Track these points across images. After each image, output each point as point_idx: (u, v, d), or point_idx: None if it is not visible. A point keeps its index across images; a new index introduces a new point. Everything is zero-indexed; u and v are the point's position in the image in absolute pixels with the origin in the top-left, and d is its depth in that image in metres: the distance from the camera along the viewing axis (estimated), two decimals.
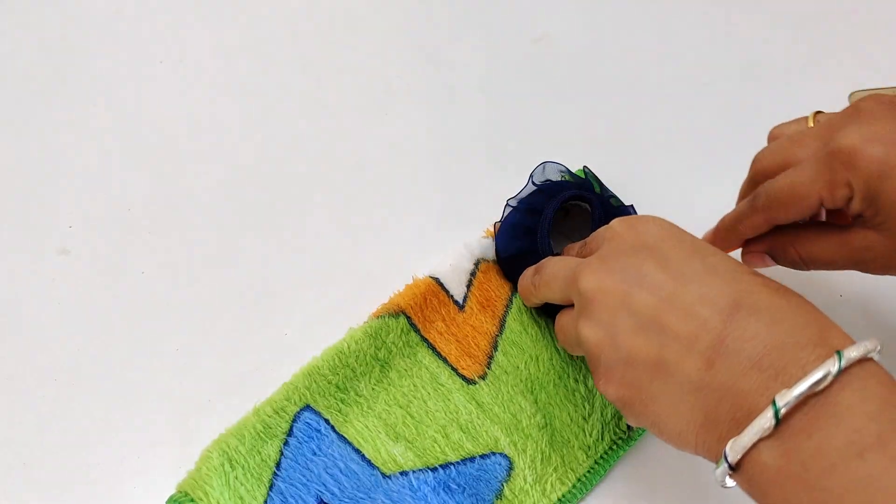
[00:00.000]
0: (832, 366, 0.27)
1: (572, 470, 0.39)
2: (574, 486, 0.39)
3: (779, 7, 0.61)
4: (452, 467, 0.38)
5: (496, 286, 0.44)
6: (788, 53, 0.58)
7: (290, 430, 0.38)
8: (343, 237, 0.47)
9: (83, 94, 0.53)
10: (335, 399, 0.39)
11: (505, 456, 0.39)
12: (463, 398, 0.40)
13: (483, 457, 0.39)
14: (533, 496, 0.38)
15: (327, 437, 0.38)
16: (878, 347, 0.28)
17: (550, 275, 0.38)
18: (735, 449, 0.27)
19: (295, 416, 0.38)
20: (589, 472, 0.39)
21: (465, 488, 0.38)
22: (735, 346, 0.29)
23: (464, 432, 0.39)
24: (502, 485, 0.38)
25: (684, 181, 0.51)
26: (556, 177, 0.46)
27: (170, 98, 0.54)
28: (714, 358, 0.29)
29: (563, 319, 0.37)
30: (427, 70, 0.56)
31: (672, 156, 0.52)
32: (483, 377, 0.41)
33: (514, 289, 0.44)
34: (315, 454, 0.38)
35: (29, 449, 0.39)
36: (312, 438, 0.38)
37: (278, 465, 0.37)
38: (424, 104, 0.54)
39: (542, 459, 0.39)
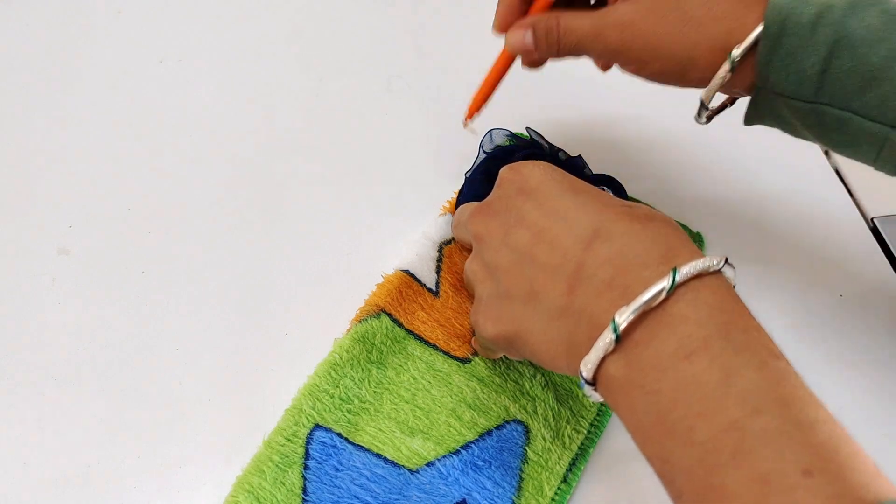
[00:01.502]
0: (667, 281, 0.28)
1: (583, 417, 0.40)
2: (589, 432, 0.40)
3: None
4: (473, 446, 0.39)
5: (463, 266, 0.44)
6: None
7: (307, 452, 0.38)
8: (344, 237, 0.47)
9: (83, 93, 0.53)
10: (342, 411, 0.39)
11: (519, 422, 0.40)
12: (463, 378, 0.41)
13: (499, 428, 0.40)
14: (556, 452, 0.39)
15: (345, 450, 0.38)
16: (721, 263, 0.29)
17: (455, 221, 0.42)
18: (587, 366, 0.29)
19: (307, 438, 0.38)
20: (598, 414, 0.40)
21: (491, 462, 0.38)
22: (591, 271, 0.31)
23: (474, 410, 0.40)
24: (525, 448, 0.39)
25: (683, 179, 0.51)
26: (503, 142, 0.48)
27: (170, 98, 0.54)
28: (574, 284, 0.31)
29: (465, 264, 0.39)
30: (427, 70, 0.56)
31: (672, 156, 0.52)
32: (475, 353, 0.42)
33: None
34: (338, 470, 0.38)
35: (29, 449, 0.39)
36: (331, 455, 0.38)
37: (304, 490, 0.37)
38: (424, 104, 0.54)
39: (553, 416, 0.40)
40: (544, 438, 0.39)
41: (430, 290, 0.44)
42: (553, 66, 0.44)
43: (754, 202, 0.50)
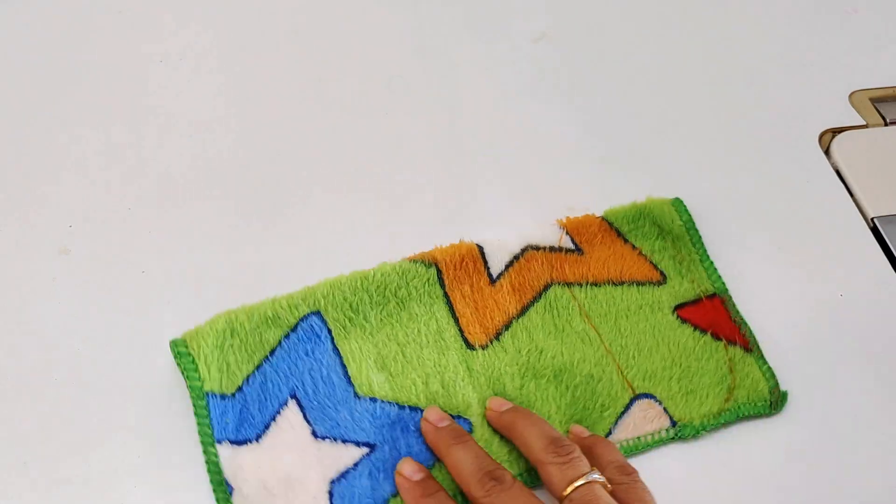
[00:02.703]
0: None
1: (524, 460, 0.39)
2: (520, 475, 0.39)
3: (780, 5, 0.61)
4: (418, 412, 0.40)
5: (534, 276, 0.45)
6: (789, 53, 0.58)
7: (295, 326, 0.41)
8: (344, 237, 0.47)
9: (83, 93, 0.53)
10: (344, 315, 0.42)
11: (469, 423, 0.40)
12: (457, 358, 0.42)
13: (451, 416, 0.40)
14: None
15: (324, 344, 0.41)
16: None
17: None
18: None
19: (304, 316, 0.41)
20: (530, 471, 0.39)
21: (421, 437, 0.39)
22: None
23: (443, 388, 0.41)
24: None
25: (683, 180, 0.51)
26: None
27: (170, 98, 0.54)
28: None
29: None
30: (427, 69, 0.56)
31: (672, 155, 0.52)
32: (484, 347, 0.42)
33: (549, 284, 0.44)
34: (307, 355, 0.41)
35: (29, 449, 0.39)
36: (310, 340, 0.41)
37: (272, 351, 0.41)
38: (424, 104, 0.54)
39: (499, 440, 0.40)
40: (486, 445, 0.39)
41: (490, 274, 0.44)
42: None
43: (754, 202, 0.50)
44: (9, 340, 0.43)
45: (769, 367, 0.43)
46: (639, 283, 0.45)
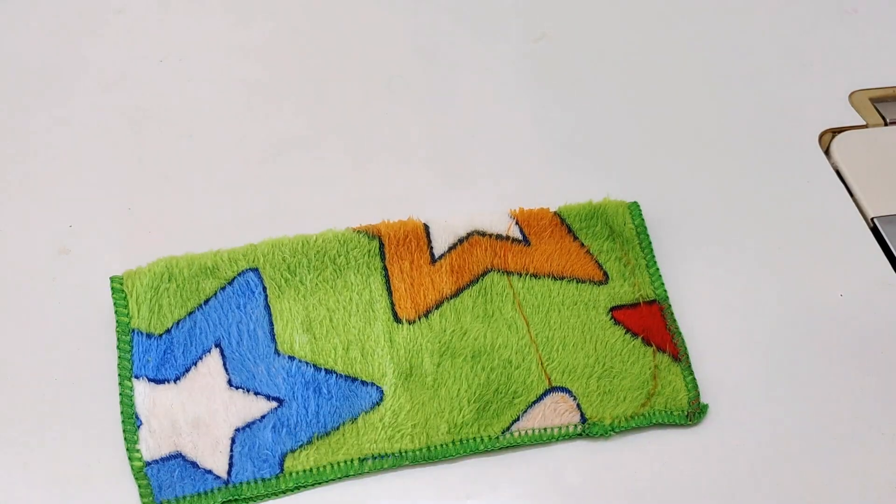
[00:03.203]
0: None
1: (427, 435, 0.40)
2: (420, 450, 0.40)
3: (779, 5, 0.61)
4: (333, 375, 0.41)
5: (474, 261, 0.45)
6: (789, 53, 0.58)
7: (232, 280, 0.43)
8: None
9: (83, 93, 0.53)
10: (280, 275, 0.43)
11: (381, 391, 0.41)
12: (381, 328, 0.43)
13: (363, 383, 0.41)
14: (380, 434, 0.40)
15: (257, 300, 0.43)
16: None
17: None
18: None
19: (242, 271, 0.43)
20: (441, 446, 0.40)
21: (332, 397, 0.40)
22: None
23: (362, 355, 0.42)
24: (360, 412, 0.40)
25: (682, 179, 0.51)
26: None
27: (170, 98, 0.54)
28: None
29: None
30: (427, 69, 0.56)
31: (672, 155, 0.52)
32: (411, 322, 0.43)
33: (488, 270, 0.45)
34: (238, 308, 0.42)
35: (29, 449, 0.39)
36: (244, 295, 0.43)
37: (206, 300, 0.42)
38: (424, 103, 0.54)
39: (407, 411, 0.40)
40: (382, 419, 0.40)
41: (432, 254, 0.45)
42: None
43: (754, 202, 0.50)
44: (9, 340, 0.43)
45: (693, 379, 0.43)
46: (579, 280, 0.45)
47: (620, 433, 0.41)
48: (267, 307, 0.42)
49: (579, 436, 0.41)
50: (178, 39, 0.57)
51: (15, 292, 0.44)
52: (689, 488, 0.40)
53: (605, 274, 0.46)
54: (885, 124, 0.55)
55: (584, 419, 0.41)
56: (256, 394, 0.40)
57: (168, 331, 0.41)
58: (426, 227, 0.45)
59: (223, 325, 0.42)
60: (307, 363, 0.41)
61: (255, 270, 0.43)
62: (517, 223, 0.47)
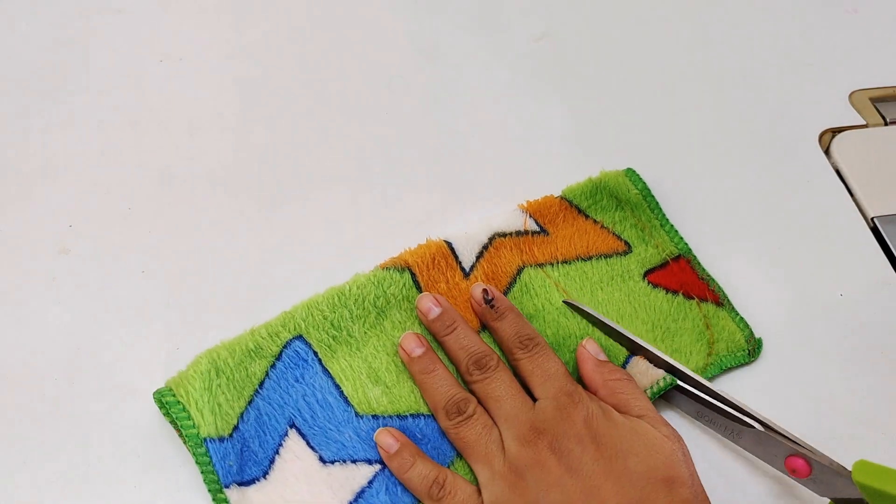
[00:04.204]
0: None
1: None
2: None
3: (780, 5, 0.61)
4: (422, 419, 0.40)
5: (505, 262, 0.45)
6: (789, 53, 0.58)
7: (280, 354, 0.40)
8: (343, 236, 0.47)
9: (83, 93, 0.53)
10: (327, 335, 0.41)
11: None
12: (444, 355, 0.42)
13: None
14: None
15: (312, 367, 0.40)
16: None
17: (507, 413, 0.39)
18: None
19: (287, 342, 0.40)
20: None
21: (429, 440, 0.39)
22: None
23: None
24: None
25: (683, 179, 0.51)
26: None
27: (170, 97, 0.54)
28: None
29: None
30: (427, 69, 0.56)
31: (672, 155, 0.52)
32: None
33: (522, 268, 0.45)
34: (297, 381, 0.40)
35: (29, 449, 0.39)
36: (298, 366, 0.40)
37: (261, 384, 0.39)
38: (424, 103, 0.54)
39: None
40: None
41: (462, 268, 0.44)
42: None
43: (754, 202, 0.50)
44: (9, 340, 0.43)
45: (742, 318, 0.45)
46: (606, 256, 0.46)
47: None
48: (325, 371, 0.40)
49: (668, 388, 0.41)
50: (178, 39, 0.57)
51: (15, 292, 0.44)
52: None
53: (626, 243, 0.47)
54: (885, 124, 0.55)
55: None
56: (354, 461, 0.38)
57: (236, 427, 0.38)
58: (449, 245, 0.44)
59: (289, 403, 0.39)
60: (391, 416, 0.40)
61: (300, 338, 0.41)
62: (530, 216, 0.47)
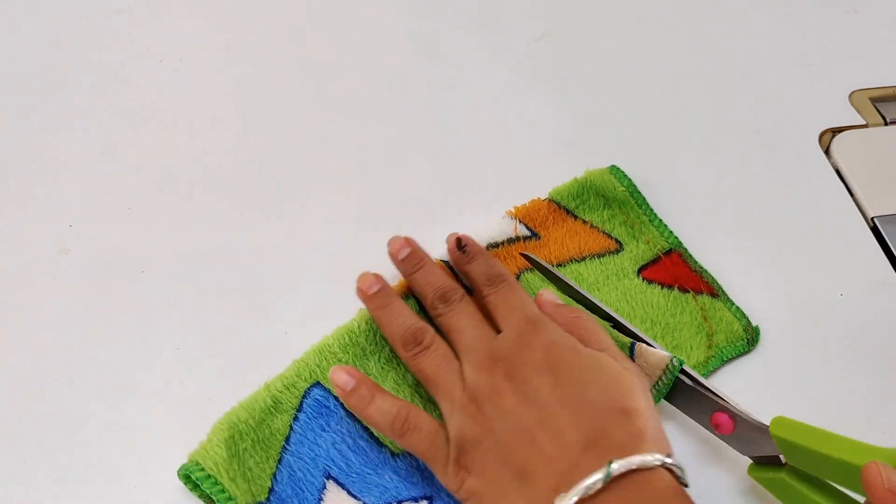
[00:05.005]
0: (602, 473, 0.31)
1: None
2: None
3: (780, 5, 0.61)
4: None
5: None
6: (789, 53, 0.58)
7: (300, 405, 0.39)
8: (343, 235, 0.47)
9: (83, 93, 0.53)
10: None
11: None
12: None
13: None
14: None
15: (336, 413, 0.39)
16: (661, 460, 0.32)
17: (468, 342, 0.39)
18: None
19: (305, 392, 0.39)
20: None
21: None
22: (580, 475, 0.32)
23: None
24: None
25: (684, 180, 0.51)
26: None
27: (170, 97, 0.54)
28: (560, 484, 0.33)
29: (441, 380, 0.38)
30: (427, 69, 0.56)
31: (673, 155, 0.52)
32: None
33: (520, 273, 0.44)
34: (324, 430, 0.38)
35: (29, 448, 0.39)
36: (322, 415, 0.38)
37: (287, 439, 0.38)
38: (424, 103, 0.54)
39: None
40: None
41: (464, 285, 0.43)
42: None
43: (754, 201, 0.50)
44: (9, 340, 0.43)
45: (738, 308, 0.45)
46: (599, 255, 0.46)
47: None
48: (350, 415, 0.39)
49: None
50: (178, 39, 0.57)
51: (15, 292, 0.44)
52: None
53: (617, 241, 0.47)
54: (885, 124, 0.55)
55: None
56: (400, 502, 0.37)
57: (271, 490, 0.37)
58: (445, 264, 0.44)
59: (320, 454, 0.38)
60: None
61: (318, 384, 0.39)
62: (520, 221, 0.47)
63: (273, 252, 0.47)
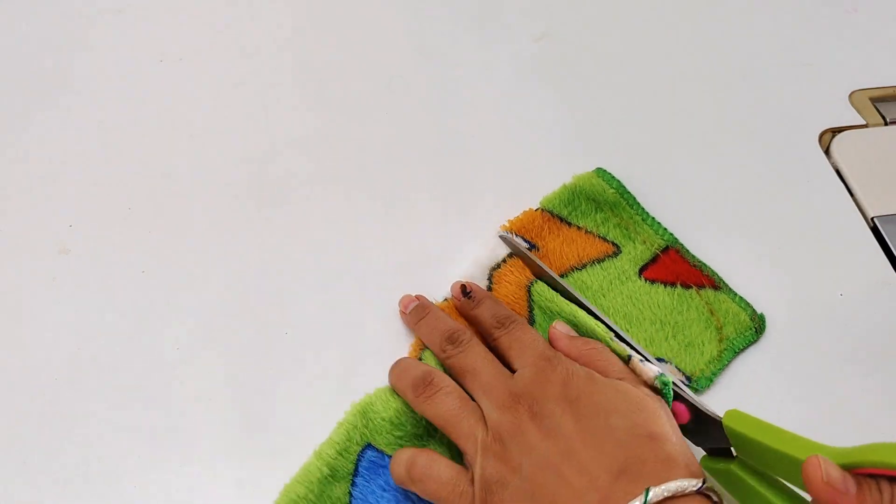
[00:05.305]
0: (639, 502, 0.31)
1: None
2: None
3: (780, 5, 0.61)
4: None
5: (516, 286, 0.44)
6: (789, 53, 0.58)
7: (356, 469, 0.38)
8: (344, 235, 0.47)
9: (83, 93, 0.53)
10: (392, 436, 0.39)
11: None
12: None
13: None
14: None
15: None
16: (696, 485, 0.32)
17: (486, 383, 0.38)
18: None
19: (358, 455, 0.38)
20: None
21: None
22: None
23: None
24: None
25: (685, 180, 0.51)
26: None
27: (170, 97, 0.54)
28: None
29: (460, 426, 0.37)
30: (427, 69, 0.56)
31: (674, 156, 0.52)
32: None
33: (530, 284, 0.44)
34: (384, 490, 0.38)
35: (29, 449, 0.39)
36: (379, 475, 0.38)
37: None
38: (424, 103, 0.54)
39: None
40: None
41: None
42: None
43: (754, 201, 0.50)
44: (9, 340, 0.43)
45: (741, 298, 0.45)
46: (599, 261, 0.46)
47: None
48: None
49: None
50: (178, 39, 0.57)
51: (15, 292, 0.44)
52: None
53: (614, 244, 0.47)
54: (885, 124, 0.55)
55: (688, 379, 0.41)
56: None
57: None
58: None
59: None
60: None
61: (369, 446, 0.39)
62: (516, 234, 0.46)
63: (273, 252, 0.47)
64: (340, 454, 0.38)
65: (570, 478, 0.33)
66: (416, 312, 0.42)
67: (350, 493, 0.37)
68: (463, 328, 0.41)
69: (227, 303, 0.44)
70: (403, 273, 0.45)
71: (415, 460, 0.37)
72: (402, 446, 0.39)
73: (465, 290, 0.43)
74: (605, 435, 0.34)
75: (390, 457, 0.38)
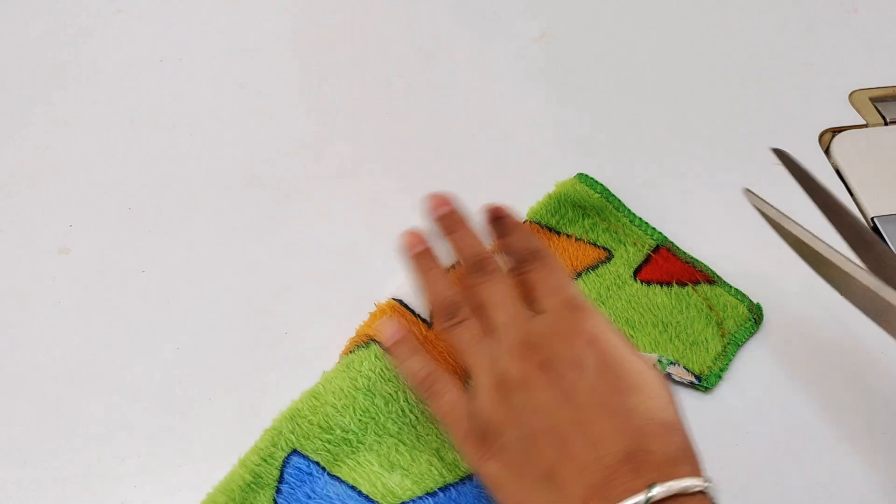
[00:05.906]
0: (641, 497, 0.29)
1: None
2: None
3: (780, 5, 0.61)
4: (452, 489, 0.37)
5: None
6: (789, 53, 0.58)
7: (281, 476, 0.37)
8: (343, 236, 0.47)
9: (83, 92, 0.53)
10: (321, 440, 0.38)
11: None
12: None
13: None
14: None
15: (320, 478, 0.37)
16: (700, 485, 0.30)
17: (503, 322, 0.36)
18: None
19: (284, 461, 0.37)
20: None
21: None
22: (612, 491, 0.30)
23: (457, 452, 0.38)
24: None
25: (684, 182, 0.51)
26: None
27: (170, 97, 0.54)
28: (591, 496, 0.30)
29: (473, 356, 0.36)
30: (427, 69, 0.56)
31: (673, 157, 0.52)
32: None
33: None
34: (310, 497, 0.37)
35: (29, 449, 0.39)
36: (305, 482, 0.37)
37: None
38: (424, 103, 0.54)
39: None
40: None
41: (423, 319, 0.42)
42: None
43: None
44: (9, 340, 0.43)
45: (737, 290, 0.45)
46: (593, 267, 0.46)
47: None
48: (335, 477, 0.37)
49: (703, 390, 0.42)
50: (178, 39, 0.57)
51: (15, 292, 0.44)
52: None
53: (605, 249, 0.46)
54: (885, 124, 0.55)
55: (698, 378, 0.41)
56: None
57: None
58: (400, 302, 0.42)
59: None
60: (420, 497, 0.37)
61: (295, 452, 0.37)
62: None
63: (273, 252, 0.47)
64: (264, 460, 0.37)
65: (577, 448, 0.31)
66: (448, 219, 0.39)
67: (275, 501, 0.36)
68: (492, 257, 0.38)
69: (226, 302, 0.44)
70: (403, 273, 0.45)
71: (428, 377, 0.37)
72: (331, 451, 0.38)
73: (496, 215, 0.40)
74: (622, 414, 0.32)
75: (317, 463, 0.37)
